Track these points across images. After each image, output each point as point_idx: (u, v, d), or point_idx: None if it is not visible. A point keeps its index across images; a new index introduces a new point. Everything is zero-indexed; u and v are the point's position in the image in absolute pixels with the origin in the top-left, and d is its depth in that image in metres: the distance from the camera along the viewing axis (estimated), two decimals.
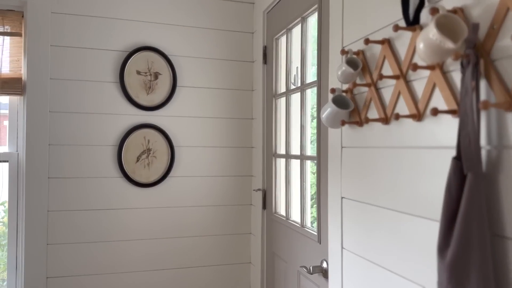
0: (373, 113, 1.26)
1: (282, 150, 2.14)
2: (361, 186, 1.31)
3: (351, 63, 1.29)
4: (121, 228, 2.26)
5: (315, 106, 1.86)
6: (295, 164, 2.00)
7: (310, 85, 1.77)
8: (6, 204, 2.20)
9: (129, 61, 2.27)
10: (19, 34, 2.14)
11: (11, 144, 2.19)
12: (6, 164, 2.16)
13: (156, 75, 2.32)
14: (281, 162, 2.15)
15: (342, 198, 1.43)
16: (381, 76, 1.11)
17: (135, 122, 2.29)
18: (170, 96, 2.34)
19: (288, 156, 2.02)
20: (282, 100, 2.14)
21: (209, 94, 2.43)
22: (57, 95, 2.17)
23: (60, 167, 2.16)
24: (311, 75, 1.83)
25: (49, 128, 2.15)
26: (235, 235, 2.47)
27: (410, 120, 1.09)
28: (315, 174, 1.83)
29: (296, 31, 1.98)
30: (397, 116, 1.05)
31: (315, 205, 1.98)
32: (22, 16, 2.15)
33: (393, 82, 1.17)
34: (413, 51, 1.08)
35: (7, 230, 2.18)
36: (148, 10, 2.32)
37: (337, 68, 1.32)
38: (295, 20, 1.91)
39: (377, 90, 1.24)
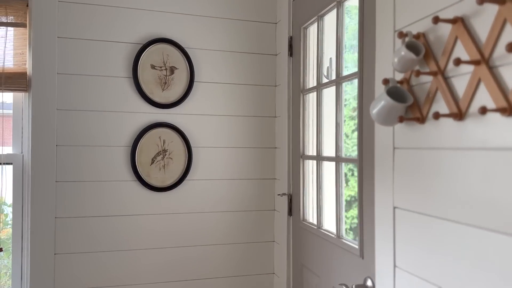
0: (440, 107, 1.05)
1: (311, 151, 1.94)
2: (422, 195, 1.10)
3: (411, 47, 1.08)
4: (134, 236, 2.07)
5: (353, 100, 1.66)
6: (328, 167, 1.79)
7: (349, 77, 1.56)
8: None
9: (143, 55, 2.08)
10: (23, 25, 1.96)
11: (15, 145, 2.02)
12: (10, 167, 1.99)
13: (172, 70, 2.13)
14: (310, 164, 1.95)
15: (394, 208, 1.22)
16: (458, 62, 0.90)
17: (150, 121, 2.10)
18: (187, 92, 2.15)
19: (319, 158, 1.81)
20: (312, 96, 1.94)
21: (229, 90, 2.23)
22: (65, 92, 1.99)
23: (68, 170, 1.98)
24: (350, 66, 1.62)
25: (57, 128, 1.97)
26: (257, 243, 2.27)
27: (496, 115, 0.88)
28: (354, 178, 1.63)
29: (330, 18, 1.77)
30: (484, 110, 0.84)
31: (351, 214, 1.78)
32: (27, 5, 1.97)
33: (467, 69, 0.96)
34: (499, 29, 0.87)
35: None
36: None
37: (394, 54, 1.11)
38: (329, 6, 1.70)
39: (445, 79, 1.03)
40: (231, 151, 2.23)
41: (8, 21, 1.95)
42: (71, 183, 1.99)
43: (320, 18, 1.82)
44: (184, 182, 2.15)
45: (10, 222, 2.18)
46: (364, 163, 1.43)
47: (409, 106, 1.14)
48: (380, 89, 1.29)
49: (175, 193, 2.14)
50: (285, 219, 2.12)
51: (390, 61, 1.24)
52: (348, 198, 1.86)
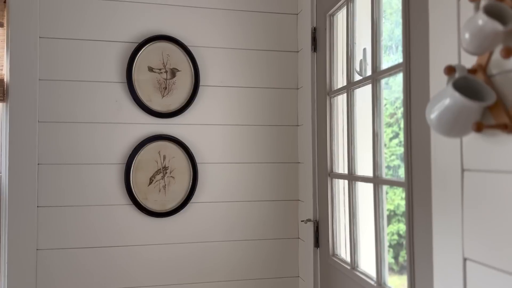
0: None
1: (342, 168, 1.55)
2: None
3: (493, 14, 0.69)
4: (130, 270, 1.74)
5: (389, 105, 1.27)
6: (364, 188, 1.39)
7: (390, 71, 1.17)
8: None
9: (138, 55, 1.77)
10: (1, 25, 1.70)
11: None
12: None
13: (174, 72, 1.81)
14: (341, 184, 1.56)
15: (465, 259, 0.82)
16: None
17: (147, 133, 1.78)
18: (191, 98, 1.81)
19: (351, 177, 1.42)
20: (341, 98, 1.55)
21: (241, 95, 1.88)
22: (48, 101, 1.70)
23: (52, 193, 1.69)
24: (392, 57, 1.23)
25: (38, 143, 1.69)
26: (278, 278, 1.88)
27: None
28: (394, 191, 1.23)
29: None
30: None
31: (390, 229, 1.38)
32: (5, 2, 1.70)
33: None
34: None
35: None
36: None
37: (464, 26, 0.71)
38: None
39: None
40: (245, 167, 1.87)
41: None
42: (55, 208, 1.69)
43: (350, 0, 1.44)
44: (189, 205, 1.80)
45: None
46: (415, 188, 1.02)
47: (489, 106, 0.74)
48: (437, 84, 0.89)
49: (177, 218, 1.79)
50: (311, 251, 1.73)
51: (452, 41, 0.84)
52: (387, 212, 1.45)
